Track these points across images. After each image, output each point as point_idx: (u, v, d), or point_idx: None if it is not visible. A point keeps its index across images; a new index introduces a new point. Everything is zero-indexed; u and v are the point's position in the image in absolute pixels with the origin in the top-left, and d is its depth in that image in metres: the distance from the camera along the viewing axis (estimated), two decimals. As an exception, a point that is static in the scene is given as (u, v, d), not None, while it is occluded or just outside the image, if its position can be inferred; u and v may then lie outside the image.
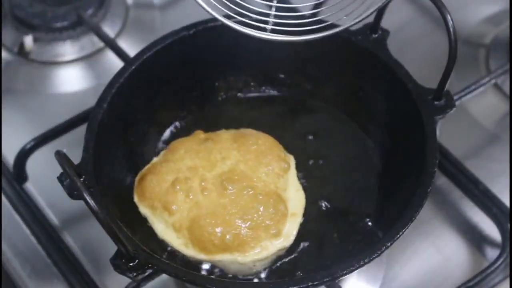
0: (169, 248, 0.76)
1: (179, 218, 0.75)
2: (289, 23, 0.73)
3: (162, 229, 0.76)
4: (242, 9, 0.74)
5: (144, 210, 0.78)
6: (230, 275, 0.75)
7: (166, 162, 0.79)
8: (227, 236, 0.74)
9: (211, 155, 0.79)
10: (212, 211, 0.75)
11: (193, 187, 0.77)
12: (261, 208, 0.75)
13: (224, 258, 0.74)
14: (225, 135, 0.82)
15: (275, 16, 0.73)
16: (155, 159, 0.82)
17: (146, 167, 0.81)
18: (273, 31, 0.73)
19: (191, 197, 0.76)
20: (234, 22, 0.74)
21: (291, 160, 0.82)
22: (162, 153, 0.82)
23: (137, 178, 0.80)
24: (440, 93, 0.76)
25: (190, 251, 0.75)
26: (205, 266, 0.75)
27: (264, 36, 0.73)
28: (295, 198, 0.79)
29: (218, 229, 0.74)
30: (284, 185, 0.79)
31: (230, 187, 0.76)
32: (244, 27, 0.74)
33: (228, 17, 0.75)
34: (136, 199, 0.78)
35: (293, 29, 0.72)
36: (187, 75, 0.87)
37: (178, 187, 0.76)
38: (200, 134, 0.83)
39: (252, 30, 0.74)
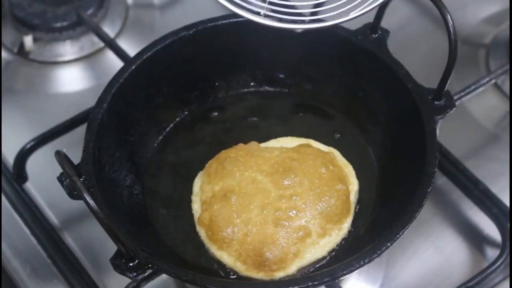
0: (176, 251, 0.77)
1: (311, 221, 0.75)
2: (286, 11, 0.70)
3: (315, 250, 0.75)
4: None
5: (292, 269, 0.74)
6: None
7: (247, 235, 0.74)
8: (352, 196, 0.78)
9: (246, 191, 0.76)
10: (318, 193, 0.76)
11: (282, 207, 0.75)
12: (326, 168, 0.78)
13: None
14: (215, 186, 0.78)
15: (271, 3, 0.71)
16: (231, 259, 0.74)
17: (242, 267, 0.74)
18: (267, 16, 0.70)
19: (293, 212, 0.75)
20: (230, 2, 0.71)
21: None
22: (216, 248, 0.75)
23: (252, 273, 0.74)
24: (440, 93, 0.76)
25: (338, 235, 0.76)
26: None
27: (257, 20, 0.70)
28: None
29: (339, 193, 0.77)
30: None
31: (292, 174, 0.77)
32: (237, 7, 0.71)
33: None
34: (276, 274, 0.73)
35: (289, 17, 0.70)
36: (187, 75, 0.87)
37: (282, 223, 0.74)
38: (205, 214, 0.76)
39: (246, 12, 0.71)
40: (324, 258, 0.75)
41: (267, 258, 0.73)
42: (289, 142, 0.83)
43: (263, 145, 0.82)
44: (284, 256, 0.73)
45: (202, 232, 0.76)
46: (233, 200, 0.75)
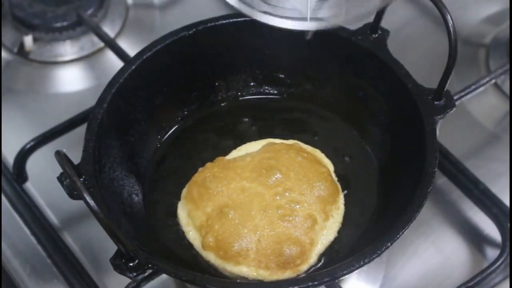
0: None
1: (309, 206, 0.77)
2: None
3: (326, 234, 0.76)
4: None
5: (313, 258, 0.75)
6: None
7: (260, 241, 0.74)
8: (333, 175, 0.81)
9: (241, 201, 0.76)
10: (307, 181, 0.77)
11: (282, 204, 0.75)
12: (302, 156, 0.79)
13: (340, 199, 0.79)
14: (206, 208, 0.76)
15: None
16: (252, 269, 0.73)
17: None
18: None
19: (293, 205, 0.76)
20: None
21: None
22: (233, 265, 0.73)
23: (278, 275, 0.73)
24: (440, 93, 0.76)
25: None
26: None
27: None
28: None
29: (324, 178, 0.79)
30: None
31: (276, 171, 0.77)
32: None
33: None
34: (301, 268, 0.74)
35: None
36: (187, 75, 0.87)
37: (289, 219, 0.75)
38: (208, 238, 0.75)
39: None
40: (336, 239, 0.76)
41: (289, 255, 0.73)
42: (251, 147, 0.83)
43: (228, 157, 0.82)
44: (302, 248, 0.74)
45: (211, 255, 0.75)
46: (231, 214, 0.75)
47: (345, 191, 0.80)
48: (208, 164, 0.80)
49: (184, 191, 0.80)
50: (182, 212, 0.79)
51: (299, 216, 0.75)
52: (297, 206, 0.75)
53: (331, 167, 0.82)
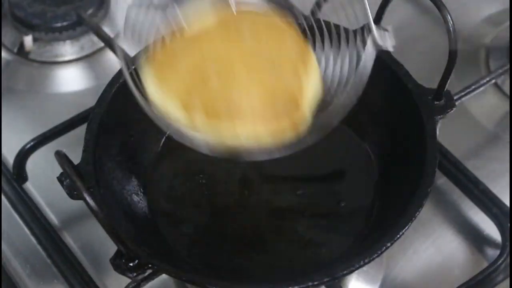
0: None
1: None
2: None
3: (310, 85, 0.70)
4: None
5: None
6: None
7: (256, 98, 0.67)
8: None
9: (222, 57, 0.68)
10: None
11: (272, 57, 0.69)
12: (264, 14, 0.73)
13: None
14: (180, 66, 0.68)
15: None
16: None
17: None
18: None
19: (277, 56, 0.69)
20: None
21: None
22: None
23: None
24: (440, 93, 0.76)
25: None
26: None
27: None
28: None
29: None
30: None
31: (247, 30, 0.70)
32: None
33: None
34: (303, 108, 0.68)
35: None
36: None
37: (273, 70, 0.68)
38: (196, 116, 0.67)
39: None
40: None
41: (283, 103, 0.67)
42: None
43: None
44: (293, 94, 0.68)
45: (198, 117, 0.67)
46: (212, 69, 0.67)
47: (345, 191, 0.80)
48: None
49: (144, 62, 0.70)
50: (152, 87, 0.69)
51: (282, 66, 0.68)
52: (278, 57, 0.69)
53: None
